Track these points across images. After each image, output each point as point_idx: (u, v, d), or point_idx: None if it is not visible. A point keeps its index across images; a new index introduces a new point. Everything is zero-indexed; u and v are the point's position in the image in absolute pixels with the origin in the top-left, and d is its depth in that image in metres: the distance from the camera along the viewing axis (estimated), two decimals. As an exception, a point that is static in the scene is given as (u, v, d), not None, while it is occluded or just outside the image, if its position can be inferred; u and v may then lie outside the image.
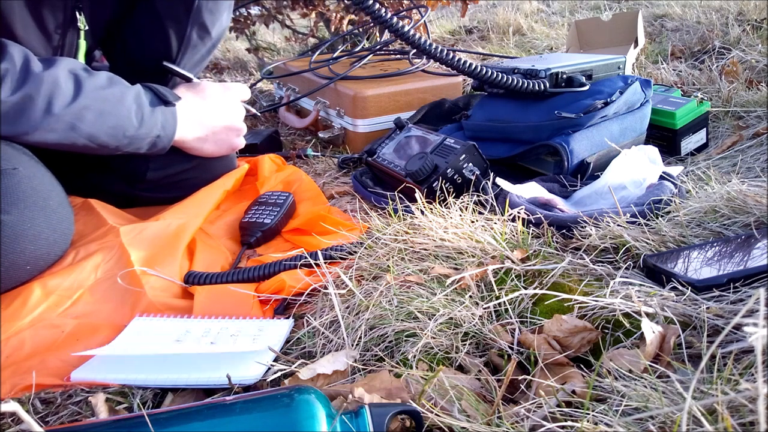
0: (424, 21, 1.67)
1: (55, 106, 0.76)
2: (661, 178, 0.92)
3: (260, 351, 0.64)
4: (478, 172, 0.97)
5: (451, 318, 0.64)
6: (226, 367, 0.60)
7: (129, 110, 0.84)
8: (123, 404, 0.60)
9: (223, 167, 1.06)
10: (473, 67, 1.03)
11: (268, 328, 0.71)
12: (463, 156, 0.96)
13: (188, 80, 1.01)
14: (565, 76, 1.07)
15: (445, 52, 1.00)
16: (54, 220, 0.77)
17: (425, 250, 0.77)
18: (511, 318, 0.65)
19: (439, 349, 0.61)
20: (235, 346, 0.67)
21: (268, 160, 1.20)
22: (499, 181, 0.92)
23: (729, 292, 0.61)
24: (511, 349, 0.61)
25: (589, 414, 0.47)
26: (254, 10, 2.41)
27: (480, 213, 0.82)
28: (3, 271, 0.71)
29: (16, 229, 0.72)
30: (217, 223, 1.00)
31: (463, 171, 0.96)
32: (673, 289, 0.64)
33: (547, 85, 1.04)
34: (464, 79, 1.65)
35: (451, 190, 0.94)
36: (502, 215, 0.81)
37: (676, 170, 1.01)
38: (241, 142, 1.04)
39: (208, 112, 0.97)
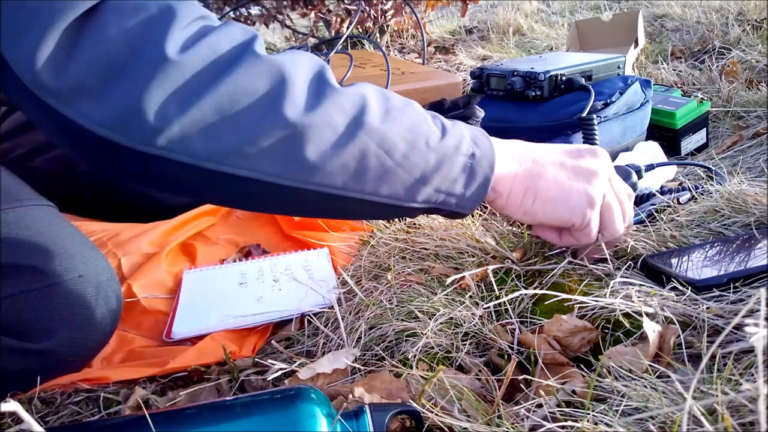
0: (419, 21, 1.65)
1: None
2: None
3: (321, 279, 0.72)
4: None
5: (452, 318, 0.64)
6: (298, 298, 0.67)
7: (423, 115, 0.57)
8: (123, 404, 0.60)
9: None
10: None
11: (311, 259, 0.78)
12: (463, 156, 0.96)
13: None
14: (564, 78, 1.07)
15: None
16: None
17: (425, 249, 0.77)
18: (511, 318, 0.65)
19: (439, 349, 0.61)
20: (300, 278, 0.73)
21: None
22: None
23: (729, 292, 0.61)
24: (511, 349, 0.61)
25: (589, 414, 0.47)
26: (254, 10, 2.41)
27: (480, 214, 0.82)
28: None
29: None
30: (216, 227, 1.00)
31: (463, 171, 0.96)
32: (673, 289, 0.64)
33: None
34: (464, 79, 1.65)
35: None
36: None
37: (671, 171, 1.01)
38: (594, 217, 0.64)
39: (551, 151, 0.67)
